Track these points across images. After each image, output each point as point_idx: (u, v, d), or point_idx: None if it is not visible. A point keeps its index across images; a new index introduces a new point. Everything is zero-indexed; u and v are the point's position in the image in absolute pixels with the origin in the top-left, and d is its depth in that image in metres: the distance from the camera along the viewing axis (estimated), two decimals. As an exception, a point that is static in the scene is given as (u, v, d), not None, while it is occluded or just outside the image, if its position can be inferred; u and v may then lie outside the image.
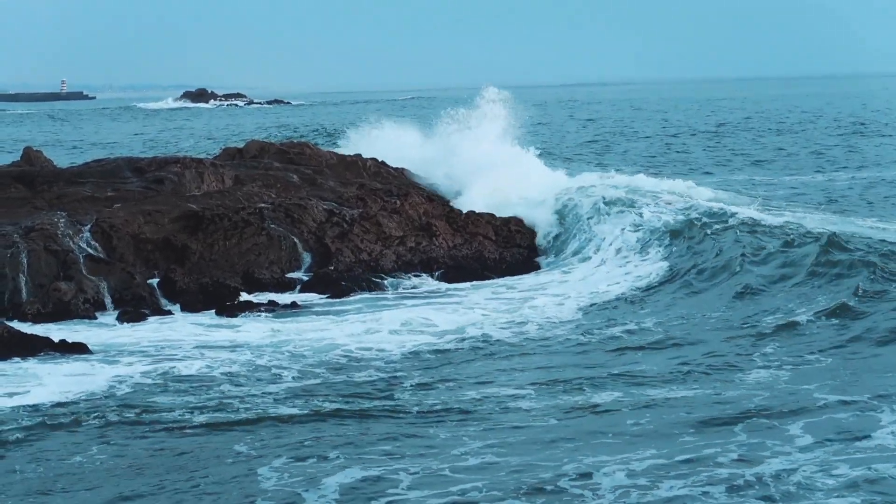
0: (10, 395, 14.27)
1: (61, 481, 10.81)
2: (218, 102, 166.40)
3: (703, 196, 28.09)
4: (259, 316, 19.76)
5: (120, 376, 15.22)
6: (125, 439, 12.17)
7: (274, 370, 15.48)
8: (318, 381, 14.83)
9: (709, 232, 22.99)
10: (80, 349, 16.84)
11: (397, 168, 29.52)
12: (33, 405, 13.77)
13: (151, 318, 19.78)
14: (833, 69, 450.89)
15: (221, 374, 15.31)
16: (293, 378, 14.99)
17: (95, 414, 13.25)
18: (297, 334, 17.97)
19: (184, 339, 17.98)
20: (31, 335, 17.16)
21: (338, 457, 11.13)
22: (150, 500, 10.01)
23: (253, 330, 18.47)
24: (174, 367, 15.71)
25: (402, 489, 10.16)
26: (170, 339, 17.92)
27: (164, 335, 18.32)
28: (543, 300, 20.45)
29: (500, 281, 23.06)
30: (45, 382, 14.96)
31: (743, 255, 20.87)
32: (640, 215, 25.24)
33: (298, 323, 18.95)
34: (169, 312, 20.32)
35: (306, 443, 11.73)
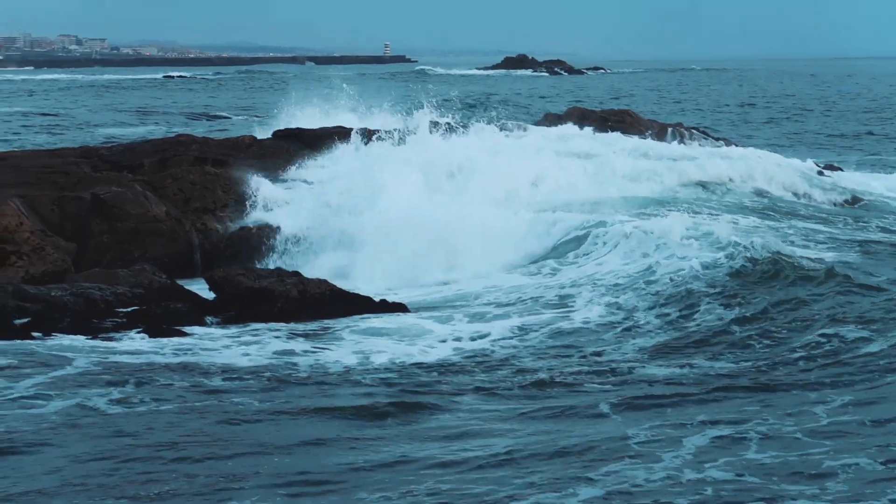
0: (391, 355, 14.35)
1: (460, 441, 10.71)
2: (531, 71, 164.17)
3: None
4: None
5: (475, 335, 15.39)
6: (501, 400, 12.21)
7: (626, 325, 15.63)
8: (671, 331, 14.96)
9: None
10: (399, 308, 16.95)
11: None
12: (405, 365, 13.85)
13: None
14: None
15: (574, 327, 15.59)
16: (642, 331, 15.17)
17: (471, 373, 13.40)
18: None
19: (513, 291, 18.22)
20: (353, 294, 17.36)
21: (698, 417, 11.12)
22: (529, 459, 10.07)
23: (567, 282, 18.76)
24: (534, 323, 15.96)
25: (751, 452, 10.04)
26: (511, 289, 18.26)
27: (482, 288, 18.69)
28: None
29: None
30: (405, 342, 15.12)
31: None
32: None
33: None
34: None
35: (668, 403, 11.75)
